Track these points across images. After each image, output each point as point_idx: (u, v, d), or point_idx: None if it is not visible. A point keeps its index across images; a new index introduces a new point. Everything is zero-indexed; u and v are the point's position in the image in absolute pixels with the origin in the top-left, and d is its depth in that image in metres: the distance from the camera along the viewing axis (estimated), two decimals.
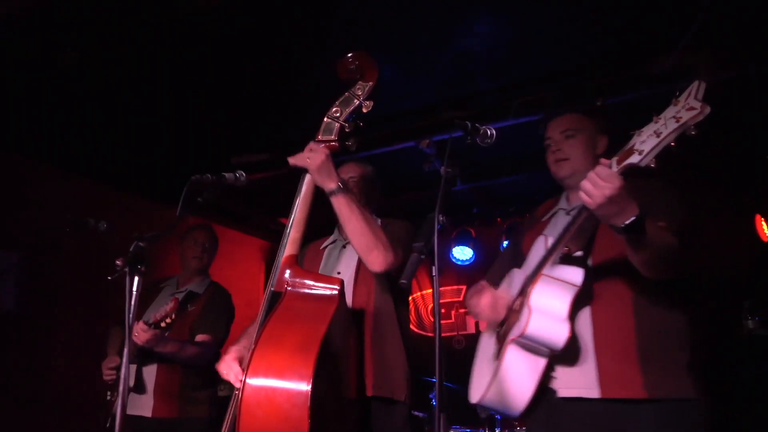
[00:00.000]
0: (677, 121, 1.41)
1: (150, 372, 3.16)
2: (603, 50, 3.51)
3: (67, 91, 3.46)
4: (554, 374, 1.88)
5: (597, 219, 1.74)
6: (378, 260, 2.09)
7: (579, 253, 1.91)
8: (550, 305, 1.82)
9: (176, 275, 3.54)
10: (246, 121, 3.83)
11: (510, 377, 1.86)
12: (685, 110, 1.40)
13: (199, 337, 3.24)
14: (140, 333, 2.87)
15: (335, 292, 1.92)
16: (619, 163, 1.53)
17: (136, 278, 1.94)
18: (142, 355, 3.12)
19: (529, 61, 3.56)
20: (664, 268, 1.77)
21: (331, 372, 1.88)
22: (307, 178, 2.03)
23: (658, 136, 1.43)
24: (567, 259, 1.92)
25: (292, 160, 2.03)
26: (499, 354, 1.94)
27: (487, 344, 2.15)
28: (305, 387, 1.69)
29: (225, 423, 1.91)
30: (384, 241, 2.11)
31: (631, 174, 1.56)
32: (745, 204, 4.58)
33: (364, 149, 4.28)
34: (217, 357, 2.88)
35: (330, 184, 2.04)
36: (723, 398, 1.94)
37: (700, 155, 4.16)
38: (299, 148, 2.03)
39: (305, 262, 2.47)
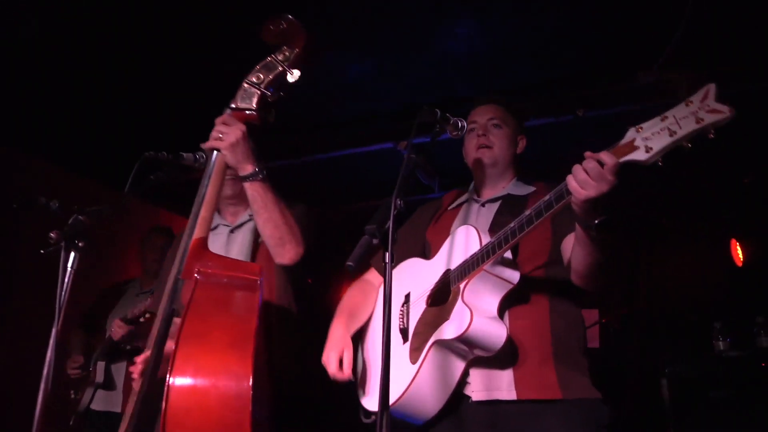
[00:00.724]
0: (698, 122, 1.33)
1: (119, 369, 3.21)
2: (585, 63, 3.50)
3: (23, 67, 3.28)
4: (468, 378, 1.78)
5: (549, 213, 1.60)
6: (290, 254, 1.96)
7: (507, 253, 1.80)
8: (483, 303, 1.74)
9: (137, 278, 3.60)
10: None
11: (428, 383, 1.75)
12: (705, 112, 1.33)
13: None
14: (116, 329, 2.99)
15: (256, 279, 1.70)
16: (618, 156, 1.43)
17: (73, 254, 1.75)
18: (111, 352, 3.20)
19: (509, 69, 3.53)
20: (607, 276, 1.72)
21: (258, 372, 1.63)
22: (219, 156, 1.80)
23: (671, 135, 1.36)
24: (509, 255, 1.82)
25: (206, 145, 1.82)
26: (413, 357, 1.79)
27: (377, 340, 1.98)
28: (245, 388, 1.49)
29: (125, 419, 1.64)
30: (296, 233, 1.96)
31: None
32: (722, 227, 4.69)
33: (337, 149, 4.16)
34: None
35: (247, 167, 1.84)
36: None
37: (678, 177, 4.15)
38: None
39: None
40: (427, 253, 2.05)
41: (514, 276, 1.77)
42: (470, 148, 2.08)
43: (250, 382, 1.50)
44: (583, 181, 1.44)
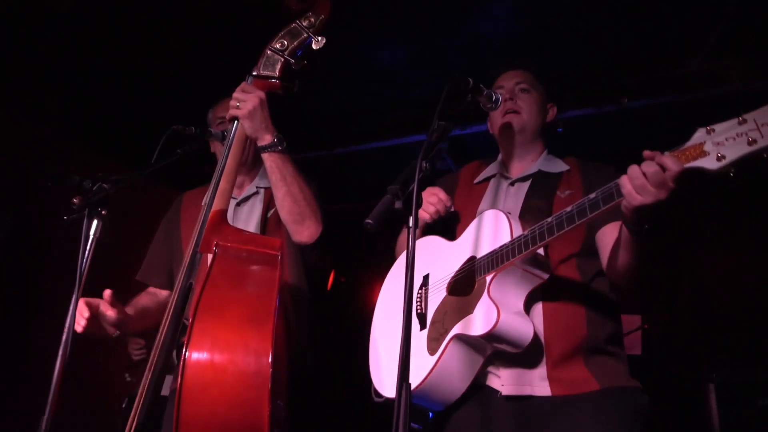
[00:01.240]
0: None
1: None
2: (627, 49, 3.31)
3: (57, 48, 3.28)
4: (497, 372, 1.67)
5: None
6: (308, 231, 1.86)
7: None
8: (509, 297, 1.63)
9: None
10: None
11: (447, 375, 1.64)
12: None
13: None
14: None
15: (276, 254, 1.63)
16: (683, 161, 1.27)
17: (95, 221, 1.68)
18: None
19: (547, 54, 3.35)
20: (647, 281, 1.60)
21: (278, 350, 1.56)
22: (239, 126, 1.74)
23: (751, 144, 1.18)
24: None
25: (227, 115, 1.77)
26: (431, 347, 1.68)
27: (391, 330, 1.87)
28: (264, 365, 1.41)
29: (134, 412, 1.56)
30: (316, 210, 1.87)
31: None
32: None
33: (370, 140, 4.05)
34: None
35: (265, 137, 1.77)
36: None
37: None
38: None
39: (182, 218, 2.17)
40: (449, 230, 1.90)
41: (545, 270, 1.65)
42: (496, 115, 1.93)
43: (270, 359, 1.42)
44: (641, 187, 1.30)
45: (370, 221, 1.36)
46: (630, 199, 1.32)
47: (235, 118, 1.73)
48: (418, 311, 1.80)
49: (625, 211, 1.37)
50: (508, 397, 1.62)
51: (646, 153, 1.31)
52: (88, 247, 1.63)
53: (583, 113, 3.61)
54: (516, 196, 1.86)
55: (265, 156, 1.80)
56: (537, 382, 1.61)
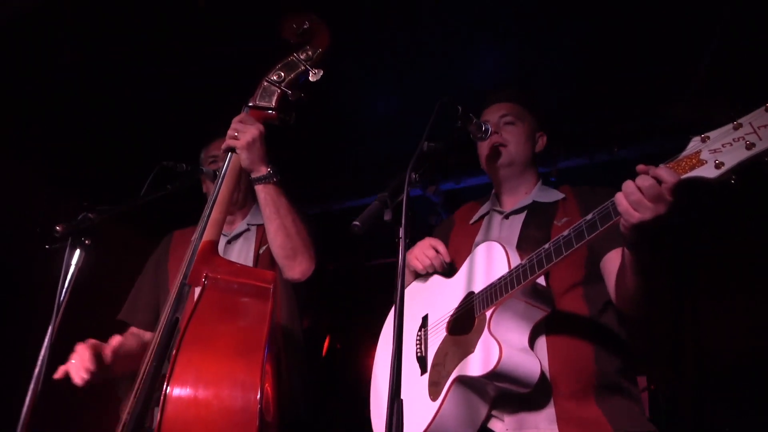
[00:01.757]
0: None
1: None
2: (616, 98, 3.32)
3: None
4: (500, 416, 1.56)
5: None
6: (301, 266, 1.80)
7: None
8: (512, 333, 1.54)
9: None
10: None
11: (451, 422, 1.53)
12: None
13: None
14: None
15: (268, 287, 1.55)
16: (680, 172, 1.21)
17: (78, 251, 1.63)
18: None
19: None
20: (656, 304, 1.51)
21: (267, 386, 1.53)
22: (234, 156, 1.71)
23: (749, 148, 1.12)
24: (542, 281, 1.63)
25: (223, 145, 1.74)
26: (432, 392, 1.58)
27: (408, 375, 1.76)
28: (252, 400, 1.32)
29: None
30: (309, 246, 1.81)
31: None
32: None
33: (359, 196, 4.01)
34: None
35: (261, 168, 1.73)
36: None
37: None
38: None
39: (171, 256, 2.12)
40: (447, 274, 1.84)
41: (548, 302, 1.57)
42: (483, 149, 1.90)
43: (258, 395, 1.32)
44: (637, 202, 1.22)
45: (357, 224, 1.32)
46: (627, 217, 1.25)
47: (231, 148, 1.70)
48: (418, 354, 1.71)
49: (624, 230, 1.30)
50: None
51: (640, 167, 1.24)
52: (69, 276, 1.57)
53: (575, 164, 3.64)
54: (511, 228, 1.81)
55: (259, 188, 1.75)
56: (544, 425, 1.50)
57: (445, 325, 1.70)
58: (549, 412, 1.50)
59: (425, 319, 1.79)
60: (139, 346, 2.00)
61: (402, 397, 1.67)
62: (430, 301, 1.81)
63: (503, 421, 1.54)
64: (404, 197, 1.30)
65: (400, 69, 3.19)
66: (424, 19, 2.91)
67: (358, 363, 5.47)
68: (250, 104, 1.72)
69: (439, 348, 1.66)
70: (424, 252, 1.81)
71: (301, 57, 1.71)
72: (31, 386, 1.45)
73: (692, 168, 1.20)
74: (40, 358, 1.50)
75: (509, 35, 2.94)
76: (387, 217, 1.34)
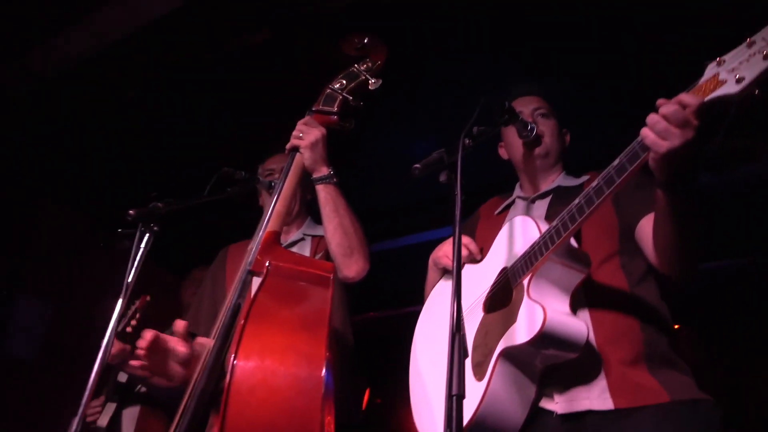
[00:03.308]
0: None
1: (130, 416, 2.66)
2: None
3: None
4: (550, 392, 1.53)
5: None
6: (357, 265, 1.86)
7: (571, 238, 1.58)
8: (553, 298, 1.51)
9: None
10: None
11: (501, 400, 1.49)
12: None
13: None
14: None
15: (329, 275, 1.60)
16: (702, 95, 1.19)
17: (147, 235, 1.73)
18: (124, 394, 2.66)
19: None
20: (694, 255, 1.47)
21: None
22: (297, 155, 1.82)
23: (766, 58, 1.10)
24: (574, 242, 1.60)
25: (288, 145, 1.86)
26: (477, 373, 1.55)
27: (428, 362, 1.78)
28: (316, 369, 1.34)
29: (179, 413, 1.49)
30: (365, 245, 1.88)
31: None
32: None
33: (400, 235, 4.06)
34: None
35: (322, 168, 1.84)
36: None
37: None
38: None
39: (228, 268, 2.19)
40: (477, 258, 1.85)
41: (584, 263, 1.53)
42: (517, 142, 1.90)
43: (323, 367, 1.34)
44: (664, 131, 1.20)
45: (418, 166, 1.39)
46: (656, 148, 1.22)
47: (295, 148, 1.82)
48: None
49: (654, 164, 1.26)
50: (565, 417, 1.48)
51: (660, 101, 1.24)
52: (138, 257, 1.66)
53: None
54: (538, 209, 1.82)
55: (320, 188, 1.85)
56: (597, 395, 1.46)
57: (481, 307, 1.69)
58: (601, 383, 1.48)
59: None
60: (205, 352, 2.06)
61: (438, 390, 1.70)
62: (462, 288, 1.83)
63: (553, 398, 1.51)
64: (458, 159, 1.36)
65: (436, 111, 3.34)
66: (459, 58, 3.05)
67: (399, 417, 5.35)
68: (314, 108, 1.85)
69: (477, 329, 1.65)
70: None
71: (362, 68, 1.85)
72: (99, 357, 1.52)
73: (713, 90, 1.18)
74: (107, 335, 1.57)
75: (548, 73, 3.06)
76: (442, 178, 1.40)
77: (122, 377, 2.74)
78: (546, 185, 1.91)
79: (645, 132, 1.25)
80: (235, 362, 1.34)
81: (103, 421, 2.62)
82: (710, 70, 1.20)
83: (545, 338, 1.41)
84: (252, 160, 2.39)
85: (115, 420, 2.63)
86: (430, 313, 1.95)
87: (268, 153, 2.33)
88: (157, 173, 3.62)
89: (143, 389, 2.69)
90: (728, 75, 1.16)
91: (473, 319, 1.69)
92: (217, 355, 1.54)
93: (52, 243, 3.87)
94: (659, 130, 1.22)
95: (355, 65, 1.87)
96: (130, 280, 1.62)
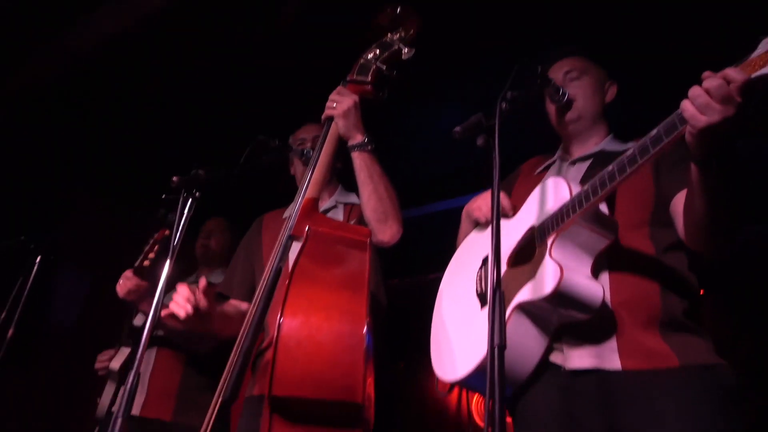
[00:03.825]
0: None
1: (146, 361, 2.63)
2: None
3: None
4: (561, 346, 1.57)
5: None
6: (391, 230, 1.90)
7: (603, 203, 1.59)
8: (574, 260, 1.52)
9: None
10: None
11: (510, 352, 1.50)
12: None
13: None
14: (123, 280, 2.39)
15: (365, 240, 1.67)
16: (750, 71, 1.14)
17: (190, 201, 1.78)
18: (139, 337, 2.67)
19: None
20: (732, 230, 1.45)
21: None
22: (333, 124, 1.87)
23: None
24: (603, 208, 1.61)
25: (323, 114, 1.91)
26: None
27: (453, 308, 1.83)
28: (359, 326, 1.41)
29: (224, 379, 1.56)
30: (398, 210, 1.93)
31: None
32: None
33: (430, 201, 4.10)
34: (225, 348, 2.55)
35: (357, 136, 1.88)
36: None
37: None
38: None
39: (264, 235, 2.26)
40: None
41: (611, 230, 1.54)
42: (551, 108, 1.90)
43: (365, 324, 1.41)
44: (704, 105, 1.17)
45: (458, 129, 1.43)
46: (694, 122, 1.20)
47: (330, 117, 1.87)
48: (478, 291, 1.76)
49: (691, 139, 1.24)
50: (574, 372, 1.51)
51: (706, 73, 1.20)
52: (182, 222, 1.74)
53: None
54: (576, 172, 1.82)
55: (355, 155, 1.90)
56: (606, 355, 1.49)
57: (505, 261, 1.72)
58: (611, 344, 1.50)
59: (485, 260, 1.83)
60: (237, 313, 2.14)
61: (453, 333, 1.78)
62: (487, 243, 1.83)
63: (563, 353, 1.55)
64: (497, 119, 1.40)
65: (468, 79, 3.33)
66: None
67: (419, 382, 5.44)
68: (348, 79, 1.90)
69: (502, 280, 1.70)
70: (486, 203, 1.87)
71: (395, 37, 1.89)
72: (149, 318, 1.60)
73: (762, 66, 1.12)
74: (158, 291, 1.65)
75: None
76: (479, 142, 1.43)
77: (138, 321, 2.76)
78: (588, 148, 1.88)
79: (685, 104, 1.22)
80: (281, 320, 1.42)
81: (116, 364, 2.62)
82: (764, 44, 1.14)
83: (559, 297, 1.45)
84: (286, 131, 2.46)
85: (130, 364, 2.61)
86: (458, 263, 2.00)
87: (299, 123, 2.38)
88: (192, 146, 3.70)
89: (159, 333, 2.67)
90: None
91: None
92: (261, 314, 1.61)
93: (89, 215, 4.00)
94: (700, 104, 1.19)
95: (389, 35, 1.90)
96: (175, 243, 1.70)
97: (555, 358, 1.58)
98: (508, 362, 1.47)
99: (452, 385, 1.66)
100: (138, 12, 3.02)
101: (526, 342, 1.55)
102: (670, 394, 1.41)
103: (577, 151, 1.89)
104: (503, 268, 1.71)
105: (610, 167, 1.46)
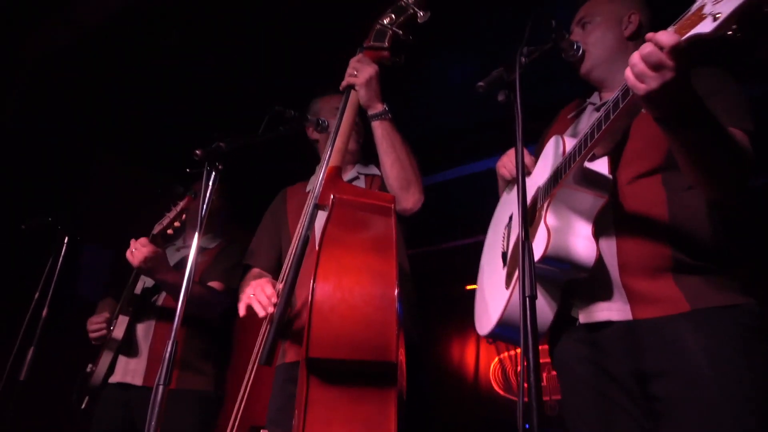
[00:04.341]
0: None
1: (146, 330, 2.63)
2: None
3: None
4: (575, 301, 1.63)
5: (631, 115, 1.43)
6: (414, 197, 1.94)
7: (604, 159, 1.60)
8: (570, 222, 1.55)
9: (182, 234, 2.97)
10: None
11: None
12: None
13: (209, 284, 2.72)
14: (138, 248, 2.36)
15: (389, 205, 1.70)
16: (680, 33, 1.12)
17: (213, 174, 1.81)
18: (139, 308, 2.63)
19: None
20: (728, 180, 1.42)
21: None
22: (353, 93, 1.89)
23: None
24: (593, 166, 1.62)
25: (343, 83, 1.92)
26: (507, 282, 1.68)
27: (486, 266, 1.90)
28: (389, 286, 1.45)
29: (258, 346, 1.63)
30: (419, 177, 1.97)
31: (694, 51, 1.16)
32: None
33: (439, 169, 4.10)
34: (230, 314, 2.54)
35: (377, 105, 1.90)
36: None
37: None
38: None
39: (288, 206, 2.29)
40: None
41: (602, 188, 1.55)
42: (569, 61, 1.85)
43: (396, 288, 1.45)
44: (641, 73, 1.18)
45: (482, 84, 1.44)
46: (636, 90, 1.20)
47: (350, 86, 1.89)
48: (503, 250, 1.83)
49: (642, 104, 1.25)
50: (587, 326, 1.57)
51: (647, 35, 1.18)
52: (207, 195, 1.77)
53: None
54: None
55: (375, 124, 1.92)
56: (617, 307, 1.53)
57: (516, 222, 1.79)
58: (622, 295, 1.53)
59: (510, 218, 1.90)
60: None
61: (486, 290, 1.86)
62: (513, 201, 1.92)
63: (578, 307, 1.61)
64: (516, 75, 1.40)
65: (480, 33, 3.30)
66: None
67: (437, 350, 5.53)
68: (365, 45, 1.91)
69: (514, 242, 1.78)
70: (510, 160, 1.89)
71: (410, 1, 1.88)
72: (182, 291, 1.65)
73: (695, 25, 1.08)
74: (189, 263, 1.70)
75: None
76: (500, 97, 1.43)
77: (137, 290, 2.74)
78: (614, 90, 1.82)
79: (627, 73, 1.22)
80: (314, 284, 1.46)
81: (119, 333, 2.61)
82: (698, 1, 1.10)
83: (550, 260, 1.51)
84: (303, 99, 2.47)
85: (130, 332, 2.62)
86: (494, 222, 2.06)
87: (315, 95, 2.39)
88: (206, 117, 3.72)
89: (158, 302, 2.72)
90: (710, 9, 1.06)
91: (515, 230, 1.80)
92: (292, 282, 1.66)
93: (108, 190, 4.05)
94: (636, 73, 1.20)
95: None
96: (203, 214, 1.74)
97: (573, 312, 1.64)
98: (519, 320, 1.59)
99: (490, 338, 1.75)
100: None
101: (539, 300, 1.57)
102: (685, 337, 1.43)
103: (606, 95, 1.85)
104: (515, 230, 1.77)
105: (587, 129, 1.47)
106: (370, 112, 1.92)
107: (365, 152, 2.33)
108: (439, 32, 3.09)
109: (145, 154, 4.16)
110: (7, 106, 3.64)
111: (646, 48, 1.17)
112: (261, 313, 1.67)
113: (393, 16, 1.89)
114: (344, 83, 1.91)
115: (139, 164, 4.25)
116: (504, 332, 1.67)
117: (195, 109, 3.80)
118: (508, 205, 1.95)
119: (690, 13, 1.12)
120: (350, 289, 1.46)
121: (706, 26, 1.06)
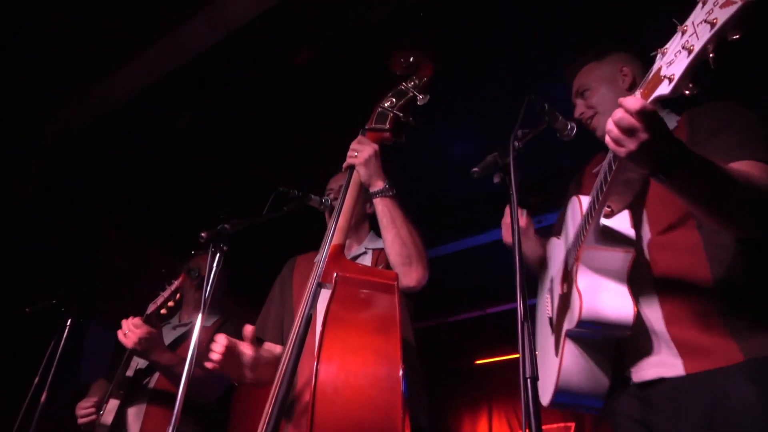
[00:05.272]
0: (712, 26, 0.98)
1: (137, 413, 2.51)
2: None
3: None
4: (625, 360, 1.61)
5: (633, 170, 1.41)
6: (417, 273, 1.92)
7: (624, 213, 1.60)
8: (602, 282, 1.56)
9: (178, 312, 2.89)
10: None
11: (575, 371, 1.61)
12: (718, 7, 0.98)
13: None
14: (132, 329, 2.28)
15: (393, 283, 1.69)
16: (645, 96, 1.16)
17: (218, 255, 1.86)
18: (129, 390, 2.53)
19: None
20: (745, 217, 1.38)
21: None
22: (354, 172, 1.94)
23: (689, 53, 1.03)
24: (611, 223, 1.62)
25: (345, 163, 1.97)
26: (556, 349, 1.67)
27: (543, 334, 1.88)
28: (395, 367, 1.44)
29: (263, 421, 1.58)
30: (423, 254, 1.95)
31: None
32: None
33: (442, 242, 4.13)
34: (226, 397, 2.50)
35: (378, 182, 1.94)
36: None
37: None
38: None
39: (295, 276, 2.30)
40: (558, 231, 1.94)
41: (626, 241, 1.54)
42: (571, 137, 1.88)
43: (401, 369, 1.43)
44: (617, 139, 1.21)
45: (476, 169, 1.48)
46: (618, 153, 1.24)
47: (351, 165, 1.94)
48: (549, 315, 1.82)
49: (628, 165, 1.28)
50: (640, 385, 1.55)
51: (619, 100, 1.20)
52: (212, 276, 1.79)
53: None
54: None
55: (377, 201, 1.95)
56: (668, 363, 1.49)
57: (559, 284, 1.79)
58: (671, 350, 1.49)
59: (552, 280, 1.91)
60: (272, 358, 2.17)
61: (542, 358, 1.84)
62: (553, 263, 1.93)
63: (629, 366, 1.59)
64: (511, 159, 1.44)
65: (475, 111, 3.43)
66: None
67: (447, 424, 5.35)
68: (367, 127, 1.97)
69: (558, 306, 1.77)
70: (506, 222, 1.98)
71: (410, 85, 1.96)
72: (183, 379, 1.63)
73: (656, 87, 1.11)
74: (191, 346, 1.69)
75: None
76: (496, 179, 1.47)
77: (129, 372, 2.67)
78: None
79: (606, 139, 1.25)
80: (318, 366, 1.44)
81: (108, 419, 2.50)
82: (657, 62, 1.14)
83: (587, 324, 1.51)
84: (310, 180, 2.52)
85: (120, 417, 2.51)
86: (540, 284, 2.07)
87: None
88: (212, 197, 3.79)
89: (151, 384, 2.63)
90: (665, 70, 1.10)
91: (557, 296, 1.80)
92: (294, 362, 1.63)
93: (114, 271, 4.06)
94: (613, 138, 1.23)
95: (403, 83, 1.98)
96: (207, 297, 1.74)
97: (627, 372, 1.62)
98: (578, 384, 1.60)
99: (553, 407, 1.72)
100: (156, 71, 3.15)
101: (590, 364, 1.61)
102: (736, 392, 1.38)
103: None
104: (557, 291, 1.77)
105: (594, 192, 1.50)
106: (371, 190, 1.95)
107: (376, 225, 2.35)
108: (440, 109, 3.23)
109: (154, 235, 4.21)
110: (26, 183, 3.74)
111: (617, 114, 1.20)
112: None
113: (394, 99, 1.96)
114: (345, 164, 1.96)
115: (147, 245, 4.29)
116: (564, 399, 1.66)
117: (203, 188, 3.89)
118: (550, 265, 1.96)
119: (651, 74, 1.16)
120: (355, 371, 1.44)
121: (664, 88, 1.10)
